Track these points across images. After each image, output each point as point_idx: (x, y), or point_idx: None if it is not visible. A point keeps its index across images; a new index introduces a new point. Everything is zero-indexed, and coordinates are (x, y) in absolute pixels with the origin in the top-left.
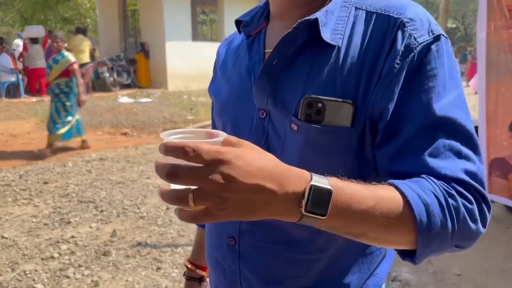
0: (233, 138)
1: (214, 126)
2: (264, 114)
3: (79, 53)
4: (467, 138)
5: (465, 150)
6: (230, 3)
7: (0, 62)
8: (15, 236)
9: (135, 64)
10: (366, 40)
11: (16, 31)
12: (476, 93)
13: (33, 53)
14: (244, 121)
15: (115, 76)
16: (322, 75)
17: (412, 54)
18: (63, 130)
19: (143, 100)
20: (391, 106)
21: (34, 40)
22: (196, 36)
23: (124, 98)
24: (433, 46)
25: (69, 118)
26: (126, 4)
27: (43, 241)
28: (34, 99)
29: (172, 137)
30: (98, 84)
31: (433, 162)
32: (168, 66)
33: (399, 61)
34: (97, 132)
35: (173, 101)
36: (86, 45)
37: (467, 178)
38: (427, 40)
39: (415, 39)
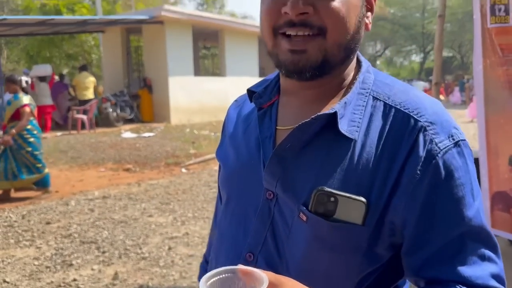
0: (273, 278)
1: (219, 191)
2: (272, 195)
3: (83, 90)
4: (488, 239)
5: (488, 253)
6: (231, 38)
7: (5, 99)
8: (16, 280)
9: (138, 99)
10: (384, 137)
11: (22, 67)
12: (472, 120)
13: (41, 90)
14: (250, 198)
15: (118, 111)
16: (336, 167)
17: (434, 161)
18: (32, 178)
19: (146, 134)
20: (417, 215)
21: (41, 78)
22: (198, 70)
23: (127, 133)
24: (455, 153)
25: (39, 165)
26: (129, 41)
27: (44, 285)
28: None
29: (210, 281)
30: (101, 120)
31: (464, 271)
32: (171, 100)
33: (421, 168)
34: (100, 169)
35: (175, 134)
36: (90, 81)
37: (496, 284)
38: (448, 146)
39: (436, 144)
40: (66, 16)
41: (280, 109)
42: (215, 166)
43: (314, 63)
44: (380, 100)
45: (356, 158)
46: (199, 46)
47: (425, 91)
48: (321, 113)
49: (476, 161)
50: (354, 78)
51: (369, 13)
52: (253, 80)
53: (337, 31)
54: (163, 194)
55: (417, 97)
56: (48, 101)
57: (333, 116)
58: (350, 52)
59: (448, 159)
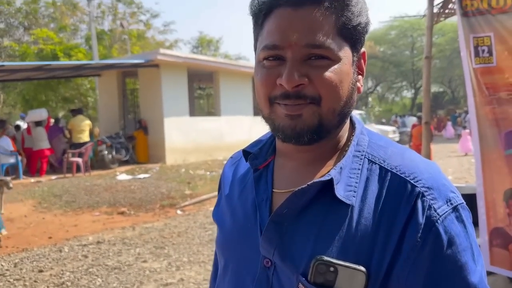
0: None
1: (216, 255)
2: (269, 263)
3: (78, 133)
4: None
5: None
6: (225, 78)
7: (1, 144)
8: None
9: (134, 140)
10: (381, 202)
11: (18, 111)
12: (466, 154)
13: (37, 135)
14: (248, 265)
15: (114, 153)
16: (334, 234)
17: (434, 228)
18: None
19: (141, 176)
20: (422, 284)
21: (37, 123)
22: (193, 110)
23: (122, 175)
24: (455, 219)
25: None
26: (125, 83)
27: None
28: (32, 180)
29: None
30: (96, 162)
31: None
32: (166, 140)
33: (422, 235)
34: (95, 213)
35: (171, 175)
36: (86, 124)
37: None
38: (446, 211)
39: (435, 210)
40: (63, 61)
41: (276, 171)
42: (210, 207)
43: (311, 127)
44: (376, 163)
45: (354, 224)
46: (194, 87)
47: (414, 126)
48: (316, 180)
49: (474, 196)
50: (348, 139)
51: (360, 77)
52: (248, 119)
53: (331, 99)
54: (157, 237)
55: (412, 160)
56: (45, 145)
57: (329, 182)
58: (344, 116)
59: (448, 225)
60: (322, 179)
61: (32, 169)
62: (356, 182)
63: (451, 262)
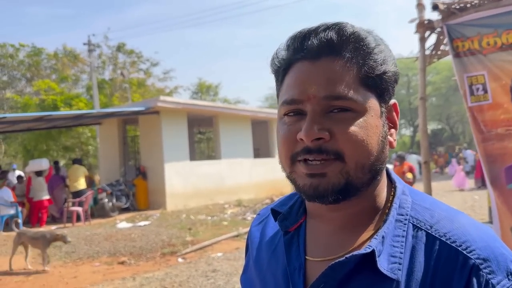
0: None
1: None
2: None
3: (74, 181)
4: None
5: None
6: (225, 122)
7: (1, 195)
8: None
9: (134, 187)
10: (430, 276)
11: (19, 161)
12: (461, 189)
13: (36, 185)
14: None
15: (114, 201)
16: None
17: None
18: None
19: (142, 223)
20: None
21: (38, 173)
22: (194, 155)
23: (122, 223)
24: None
25: None
26: (126, 131)
27: None
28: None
29: None
30: (96, 210)
31: None
32: (167, 186)
33: None
34: (95, 263)
35: (171, 221)
36: (81, 172)
37: None
38: (507, 287)
39: (493, 287)
40: (63, 112)
41: (309, 235)
42: (212, 254)
43: (336, 186)
44: (422, 229)
45: None
46: (194, 131)
47: (395, 166)
48: (356, 253)
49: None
50: (388, 201)
51: (392, 130)
52: (248, 161)
53: (356, 155)
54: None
55: (463, 225)
56: (44, 195)
57: (370, 254)
58: (376, 173)
59: None
60: (362, 251)
61: (33, 220)
62: (401, 252)
63: None
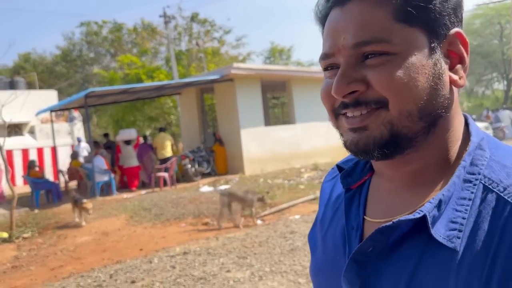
0: None
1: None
2: None
3: (161, 149)
4: None
5: None
6: (298, 86)
7: (96, 163)
8: None
9: (213, 153)
10: (494, 247)
11: (111, 132)
12: None
13: (126, 153)
14: None
15: (197, 166)
16: (429, 283)
17: None
18: None
19: (222, 187)
20: None
21: (127, 142)
22: (268, 120)
23: (205, 187)
24: None
25: None
26: (203, 99)
27: None
28: (124, 195)
29: None
30: (181, 176)
31: None
32: (244, 151)
33: None
34: (181, 224)
35: (250, 185)
36: (167, 141)
37: None
38: None
39: None
40: (146, 83)
41: (371, 193)
42: (289, 216)
43: (378, 139)
44: (494, 192)
45: (455, 274)
46: (268, 97)
47: None
48: (403, 218)
49: None
50: (459, 155)
51: (458, 66)
52: (323, 125)
53: (401, 100)
54: (240, 247)
55: None
56: (134, 162)
57: (423, 219)
58: (433, 120)
59: None
60: (411, 216)
61: (129, 185)
62: (464, 218)
63: None
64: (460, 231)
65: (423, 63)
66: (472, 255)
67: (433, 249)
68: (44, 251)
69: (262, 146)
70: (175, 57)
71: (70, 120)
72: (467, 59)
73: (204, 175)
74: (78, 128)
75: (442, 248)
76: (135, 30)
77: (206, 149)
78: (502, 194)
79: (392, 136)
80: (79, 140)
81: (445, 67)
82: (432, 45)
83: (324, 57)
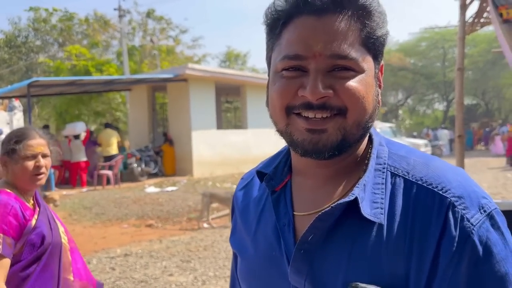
0: None
1: (233, 281)
2: None
3: (107, 146)
4: None
5: None
6: (252, 92)
7: None
8: None
9: (162, 153)
10: (410, 217)
11: (52, 125)
12: (497, 156)
13: (75, 148)
14: None
15: (143, 166)
16: (365, 257)
17: (469, 239)
18: None
19: (169, 188)
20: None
21: (76, 136)
22: (221, 124)
23: (150, 188)
24: (490, 226)
25: None
26: (155, 98)
27: None
28: (64, 192)
29: None
30: (126, 174)
31: None
32: (194, 153)
33: (457, 248)
34: (123, 225)
35: (198, 188)
36: (114, 138)
37: None
38: (480, 220)
39: (468, 220)
40: (95, 77)
41: (295, 192)
42: (203, 224)
43: (334, 142)
44: (400, 176)
45: (385, 244)
46: (221, 100)
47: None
48: (341, 201)
49: None
50: (366, 152)
51: (378, 90)
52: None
53: (357, 111)
54: (184, 251)
55: (437, 169)
56: (82, 157)
57: (354, 201)
58: (367, 130)
59: (483, 234)
60: (346, 199)
61: (72, 181)
62: (382, 198)
63: (490, 273)
64: (381, 208)
65: (372, 83)
66: (395, 227)
67: (363, 227)
68: None
69: (212, 149)
70: (127, 52)
71: (10, 109)
72: (382, 86)
73: (151, 175)
74: (18, 118)
75: (371, 224)
76: (86, 21)
77: (155, 148)
78: (407, 177)
79: (342, 140)
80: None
81: (377, 89)
82: (376, 70)
83: (294, 57)
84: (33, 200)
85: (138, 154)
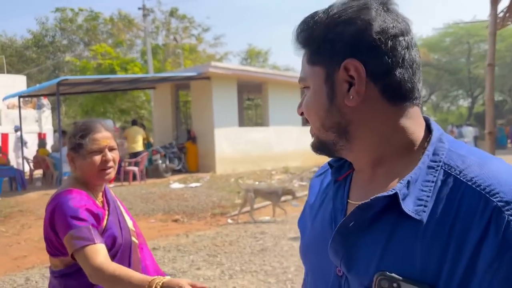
0: None
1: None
2: (341, 272)
3: (132, 143)
4: None
5: None
6: (274, 89)
7: (64, 153)
8: None
9: (185, 150)
10: (452, 218)
11: None
12: None
13: None
14: (323, 272)
15: (167, 162)
16: (400, 250)
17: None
18: None
19: (193, 185)
20: None
21: None
22: (242, 121)
23: (175, 184)
24: None
25: None
26: (178, 96)
27: None
28: None
29: None
30: (151, 171)
31: None
32: (216, 150)
33: (498, 256)
34: (150, 220)
35: (221, 184)
36: (139, 134)
37: None
38: None
39: None
40: (121, 75)
41: (353, 183)
42: (260, 217)
43: (314, 144)
44: (452, 175)
45: (422, 241)
46: (243, 98)
47: None
48: (379, 195)
49: None
50: (421, 147)
51: (351, 89)
52: (296, 129)
53: (311, 119)
54: (210, 245)
55: (492, 171)
56: None
57: (396, 196)
58: (341, 130)
59: None
60: (385, 194)
61: None
62: (428, 196)
63: None
64: (425, 206)
65: (318, 89)
66: (434, 224)
67: (403, 222)
68: (7, 240)
69: (235, 146)
70: (151, 51)
71: (38, 107)
72: (357, 82)
73: (175, 171)
74: (46, 116)
75: (411, 220)
76: (111, 20)
77: (178, 145)
78: (458, 176)
79: (319, 143)
80: (16, 129)
81: (340, 91)
82: (329, 77)
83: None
84: (102, 196)
85: (162, 151)
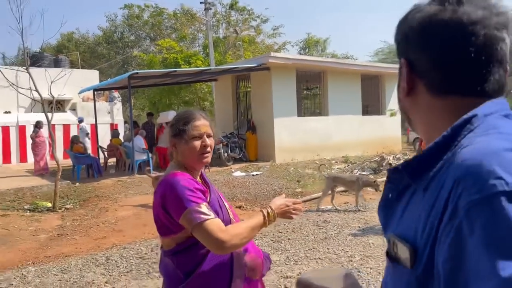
0: None
1: None
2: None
3: None
4: None
5: None
6: (333, 78)
7: (135, 143)
8: None
9: (245, 140)
10: (439, 189)
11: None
12: None
13: (165, 134)
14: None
15: (229, 151)
16: (408, 215)
17: (457, 220)
18: None
19: (254, 173)
20: (445, 266)
21: (168, 124)
22: (301, 111)
23: (237, 172)
24: (488, 209)
25: None
26: (239, 87)
27: None
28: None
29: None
30: (214, 159)
31: None
32: (276, 140)
33: (448, 224)
34: None
35: (281, 173)
36: None
37: None
38: (474, 200)
39: (464, 199)
40: (187, 68)
41: None
42: (321, 206)
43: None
44: (453, 150)
45: (420, 207)
46: (301, 87)
47: (421, 142)
48: (391, 167)
49: None
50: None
51: (400, 83)
52: (356, 118)
53: None
54: (274, 232)
55: (477, 149)
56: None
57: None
58: (406, 117)
59: (472, 216)
60: (395, 167)
61: (163, 166)
62: (432, 170)
63: (468, 257)
64: (427, 180)
65: (399, 84)
66: (428, 196)
67: (415, 195)
68: (87, 222)
69: (293, 135)
70: (213, 44)
71: (110, 100)
72: (402, 77)
73: (235, 160)
74: (118, 108)
75: (420, 192)
76: (175, 15)
77: (239, 135)
78: (456, 148)
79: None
80: (80, 121)
81: (400, 83)
82: (399, 69)
83: None
84: (200, 179)
85: (224, 141)
